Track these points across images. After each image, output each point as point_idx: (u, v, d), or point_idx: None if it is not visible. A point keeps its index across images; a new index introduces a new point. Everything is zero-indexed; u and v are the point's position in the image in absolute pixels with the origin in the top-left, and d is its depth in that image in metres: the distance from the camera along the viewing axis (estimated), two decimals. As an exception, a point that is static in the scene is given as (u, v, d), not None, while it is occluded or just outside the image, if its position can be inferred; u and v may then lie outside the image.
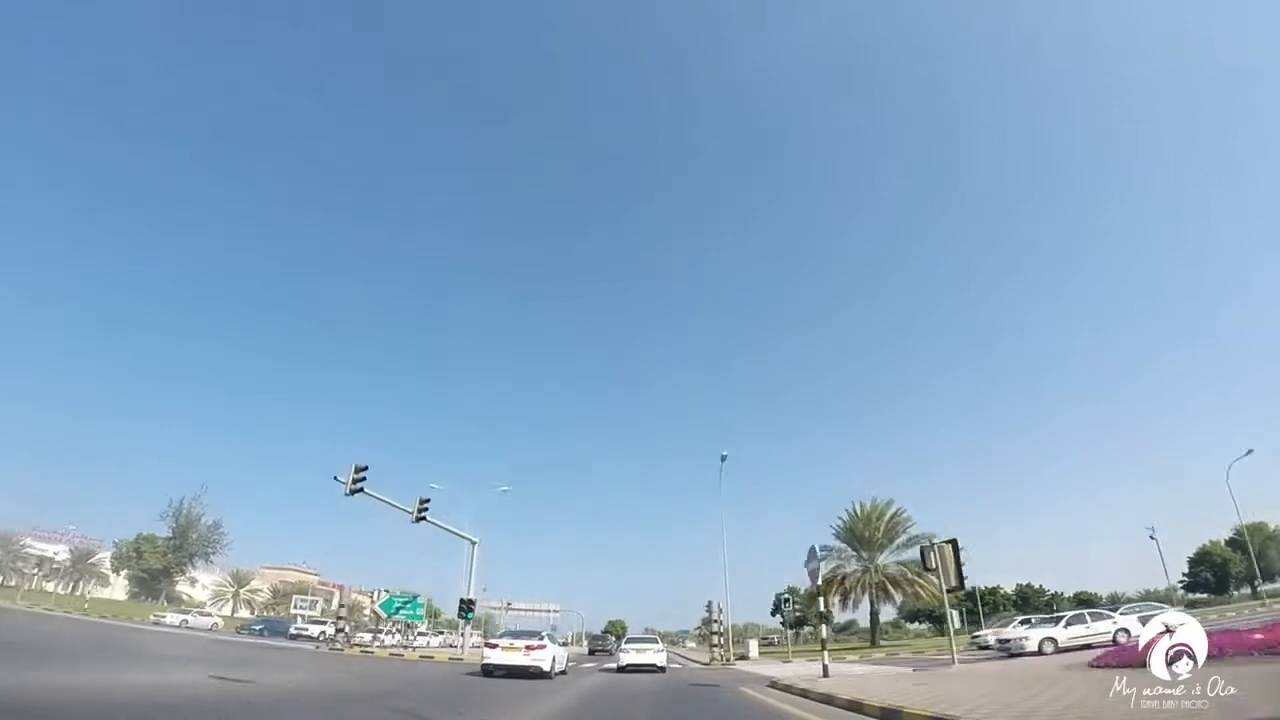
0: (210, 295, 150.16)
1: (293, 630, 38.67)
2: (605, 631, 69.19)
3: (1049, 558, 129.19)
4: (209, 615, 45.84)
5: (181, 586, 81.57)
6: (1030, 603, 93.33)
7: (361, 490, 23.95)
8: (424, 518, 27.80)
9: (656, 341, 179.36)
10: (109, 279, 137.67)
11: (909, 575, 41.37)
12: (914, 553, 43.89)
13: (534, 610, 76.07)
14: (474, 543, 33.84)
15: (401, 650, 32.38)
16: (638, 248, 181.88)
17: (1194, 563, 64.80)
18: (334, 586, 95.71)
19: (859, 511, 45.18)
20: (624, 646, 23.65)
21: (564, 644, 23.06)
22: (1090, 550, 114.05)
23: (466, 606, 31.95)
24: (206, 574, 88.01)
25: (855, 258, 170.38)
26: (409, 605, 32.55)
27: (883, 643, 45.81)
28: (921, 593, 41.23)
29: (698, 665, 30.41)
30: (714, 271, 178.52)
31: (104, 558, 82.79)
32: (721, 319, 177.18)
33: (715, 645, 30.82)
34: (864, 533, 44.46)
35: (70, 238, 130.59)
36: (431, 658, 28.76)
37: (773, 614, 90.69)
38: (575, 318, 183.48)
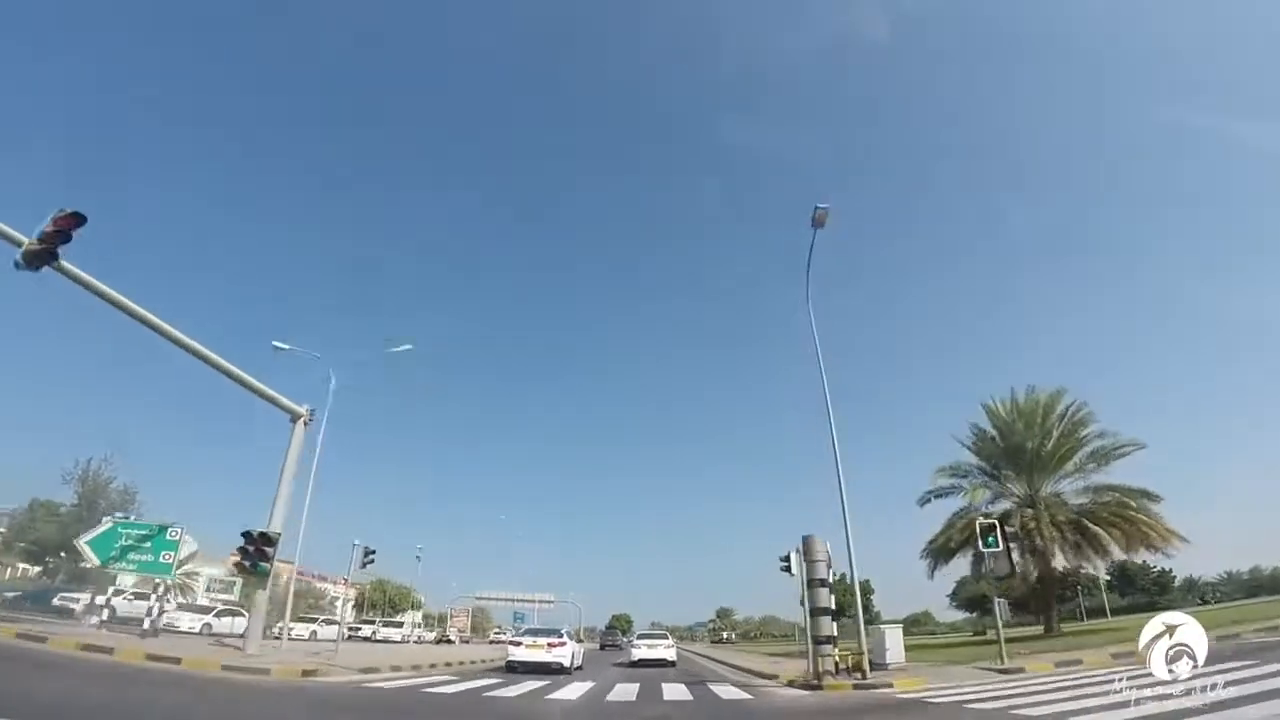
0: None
1: (56, 601, 25.92)
2: (611, 627, 72.19)
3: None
4: None
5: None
6: (1135, 582, 74.38)
7: None
8: (54, 258, 10.28)
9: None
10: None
11: (1128, 511, 23.13)
12: (1104, 476, 25.13)
13: (515, 600, 67.23)
14: (297, 418, 16.29)
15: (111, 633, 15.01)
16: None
17: None
18: (314, 578, 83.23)
19: (1013, 409, 26.73)
20: (635, 642, 24.50)
21: (580, 641, 22.58)
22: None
23: (257, 549, 14.16)
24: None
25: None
26: (146, 545, 15.07)
27: (1064, 632, 27.01)
28: (1152, 534, 23.06)
29: (791, 693, 11.87)
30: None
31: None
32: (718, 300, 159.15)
33: (825, 642, 12.25)
34: (1023, 442, 26.00)
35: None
36: (112, 650, 11.24)
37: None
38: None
